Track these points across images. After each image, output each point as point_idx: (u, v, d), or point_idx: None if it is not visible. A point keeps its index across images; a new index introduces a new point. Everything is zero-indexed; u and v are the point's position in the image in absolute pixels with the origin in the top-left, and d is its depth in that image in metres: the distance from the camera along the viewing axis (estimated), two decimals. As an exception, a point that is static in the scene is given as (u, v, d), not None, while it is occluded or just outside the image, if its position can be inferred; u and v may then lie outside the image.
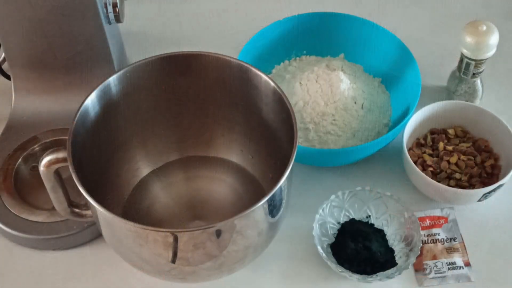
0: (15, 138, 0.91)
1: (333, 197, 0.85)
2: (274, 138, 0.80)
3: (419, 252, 0.80)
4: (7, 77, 0.96)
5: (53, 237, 0.83)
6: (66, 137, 0.71)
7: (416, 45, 0.97)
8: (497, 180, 0.84)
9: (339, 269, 0.79)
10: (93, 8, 0.85)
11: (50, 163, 0.70)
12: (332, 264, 0.79)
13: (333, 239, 0.84)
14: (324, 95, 0.91)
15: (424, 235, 0.85)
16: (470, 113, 0.91)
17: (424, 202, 0.88)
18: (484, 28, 0.89)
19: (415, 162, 0.87)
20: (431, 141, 0.90)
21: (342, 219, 0.85)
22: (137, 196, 0.85)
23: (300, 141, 0.91)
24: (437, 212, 0.87)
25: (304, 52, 1.02)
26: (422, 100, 0.89)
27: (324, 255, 0.80)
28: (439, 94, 0.99)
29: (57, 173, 0.72)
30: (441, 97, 0.98)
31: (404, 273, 0.79)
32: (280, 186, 0.68)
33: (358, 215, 0.85)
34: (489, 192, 0.83)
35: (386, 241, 0.83)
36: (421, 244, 0.82)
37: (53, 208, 0.76)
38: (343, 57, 1.00)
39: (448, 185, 0.85)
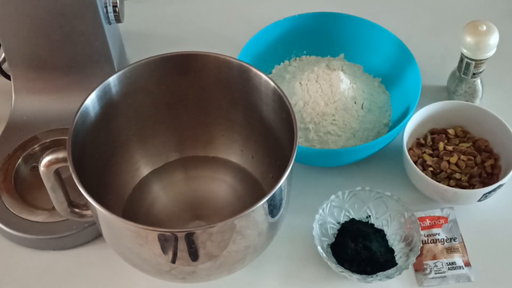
0: (15, 138, 0.91)
1: (333, 197, 0.85)
2: (274, 138, 0.80)
3: (419, 252, 0.80)
4: (7, 77, 0.96)
5: (53, 237, 0.83)
6: (66, 137, 0.71)
7: (416, 45, 0.97)
8: (497, 180, 0.84)
9: (339, 269, 0.79)
10: (93, 8, 0.85)
11: (50, 163, 0.70)
12: (332, 264, 0.79)
13: (333, 239, 0.84)
14: (324, 95, 0.91)
15: (424, 235, 0.85)
16: (470, 113, 0.91)
17: (424, 202, 0.88)
18: (484, 28, 0.89)
19: (415, 162, 0.87)
20: (431, 141, 0.90)
21: (342, 219, 0.85)
22: (137, 196, 0.85)
23: (300, 141, 0.90)
24: (437, 212, 0.87)
25: (304, 52, 1.02)
26: (422, 100, 0.89)
27: (324, 255, 0.80)
28: (439, 94, 0.99)
29: (57, 173, 0.72)
30: (441, 97, 0.98)
31: (404, 273, 0.79)
32: (280, 186, 0.68)
33: (358, 215, 0.85)
34: (489, 192, 0.83)
35: (386, 241, 0.83)
36: (421, 244, 0.82)
37: (53, 208, 0.76)
38: (343, 57, 1.00)
39: (448, 185, 0.85)
